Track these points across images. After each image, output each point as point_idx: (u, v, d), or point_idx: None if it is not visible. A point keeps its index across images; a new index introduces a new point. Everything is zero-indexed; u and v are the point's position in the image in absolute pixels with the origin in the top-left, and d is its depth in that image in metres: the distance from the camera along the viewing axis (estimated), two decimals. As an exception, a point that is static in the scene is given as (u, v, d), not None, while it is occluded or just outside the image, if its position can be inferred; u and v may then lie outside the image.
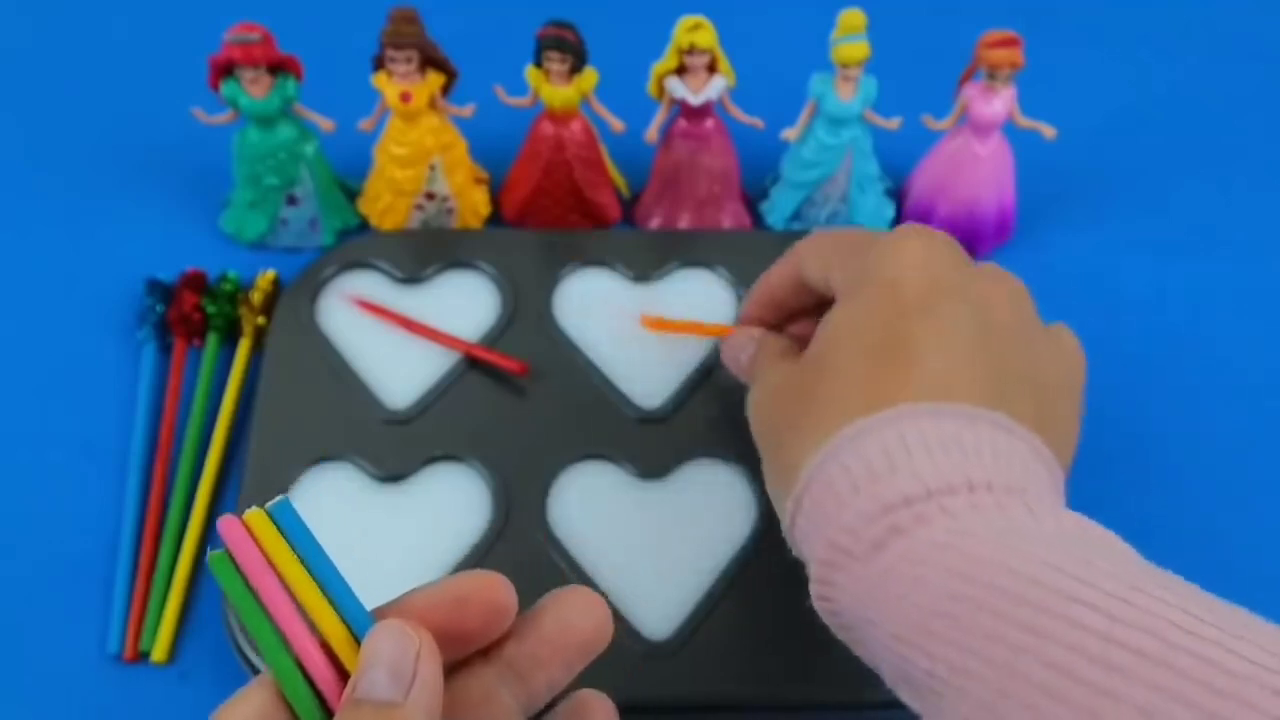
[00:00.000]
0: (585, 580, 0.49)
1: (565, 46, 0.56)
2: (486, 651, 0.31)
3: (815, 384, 0.40)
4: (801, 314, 0.49)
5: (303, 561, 0.28)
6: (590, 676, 0.46)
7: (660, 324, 0.56)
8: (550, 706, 0.33)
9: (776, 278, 0.48)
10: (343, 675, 0.28)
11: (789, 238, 0.61)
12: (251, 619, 0.28)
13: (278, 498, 0.28)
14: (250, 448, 0.52)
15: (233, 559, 0.28)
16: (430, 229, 0.62)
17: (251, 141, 0.58)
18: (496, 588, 0.30)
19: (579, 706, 0.33)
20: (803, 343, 0.45)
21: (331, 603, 0.28)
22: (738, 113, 0.59)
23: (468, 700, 0.30)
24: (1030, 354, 0.41)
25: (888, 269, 0.40)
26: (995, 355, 0.39)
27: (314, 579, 0.28)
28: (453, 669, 0.30)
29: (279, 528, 0.28)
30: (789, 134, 0.60)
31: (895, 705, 0.47)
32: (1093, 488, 0.54)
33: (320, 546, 0.28)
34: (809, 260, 0.46)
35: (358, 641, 0.28)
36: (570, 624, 0.31)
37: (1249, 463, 0.56)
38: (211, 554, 0.27)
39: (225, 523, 0.28)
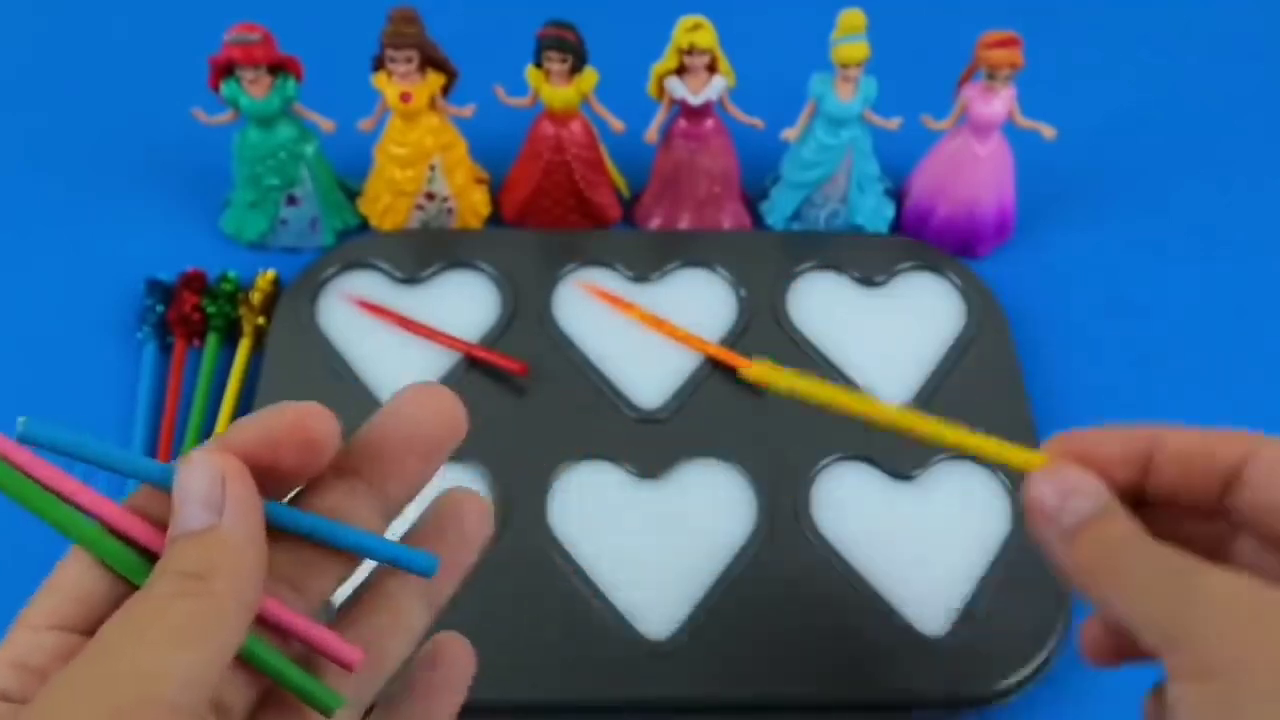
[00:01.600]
0: (585, 580, 0.49)
1: (565, 46, 0.56)
2: (331, 465, 0.30)
3: None
4: (1185, 503, 0.31)
5: (84, 456, 0.27)
6: (590, 676, 0.46)
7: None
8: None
9: (1197, 445, 0.31)
10: (164, 530, 0.27)
11: (789, 238, 0.62)
12: (36, 502, 0.27)
13: (21, 421, 0.27)
14: (250, 448, 0.52)
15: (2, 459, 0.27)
16: (430, 229, 0.62)
17: (252, 142, 0.58)
18: (308, 424, 0.28)
19: (435, 649, 0.33)
20: (1196, 545, 0.29)
21: (131, 474, 0.28)
22: (738, 113, 0.59)
23: (321, 516, 0.29)
24: None
25: None
26: None
27: (103, 463, 0.27)
28: (300, 492, 0.30)
29: (42, 444, 0.27)
30: (789, 134, 0.60)
31: (895, 705, 0.47)
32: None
33: (88, 436, 0.28)
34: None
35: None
36: (413, 421, 0.31)
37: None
38: None
39: None
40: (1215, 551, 0.30)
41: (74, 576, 0.27)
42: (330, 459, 0.29)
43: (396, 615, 0.30)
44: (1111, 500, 0.30)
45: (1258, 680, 0.26)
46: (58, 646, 0.26)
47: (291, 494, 0.29)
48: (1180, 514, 0.31)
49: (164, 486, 0.27)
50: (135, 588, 0.26)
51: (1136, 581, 0.28)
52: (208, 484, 0.26)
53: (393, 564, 0.29)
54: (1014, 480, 0.52)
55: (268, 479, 0.28)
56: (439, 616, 0.31)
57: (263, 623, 0.27)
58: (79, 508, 0.27)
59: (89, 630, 0.26)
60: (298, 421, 0.28)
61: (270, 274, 0.59)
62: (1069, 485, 0.30)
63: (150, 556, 0.27)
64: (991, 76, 0.57)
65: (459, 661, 0.33)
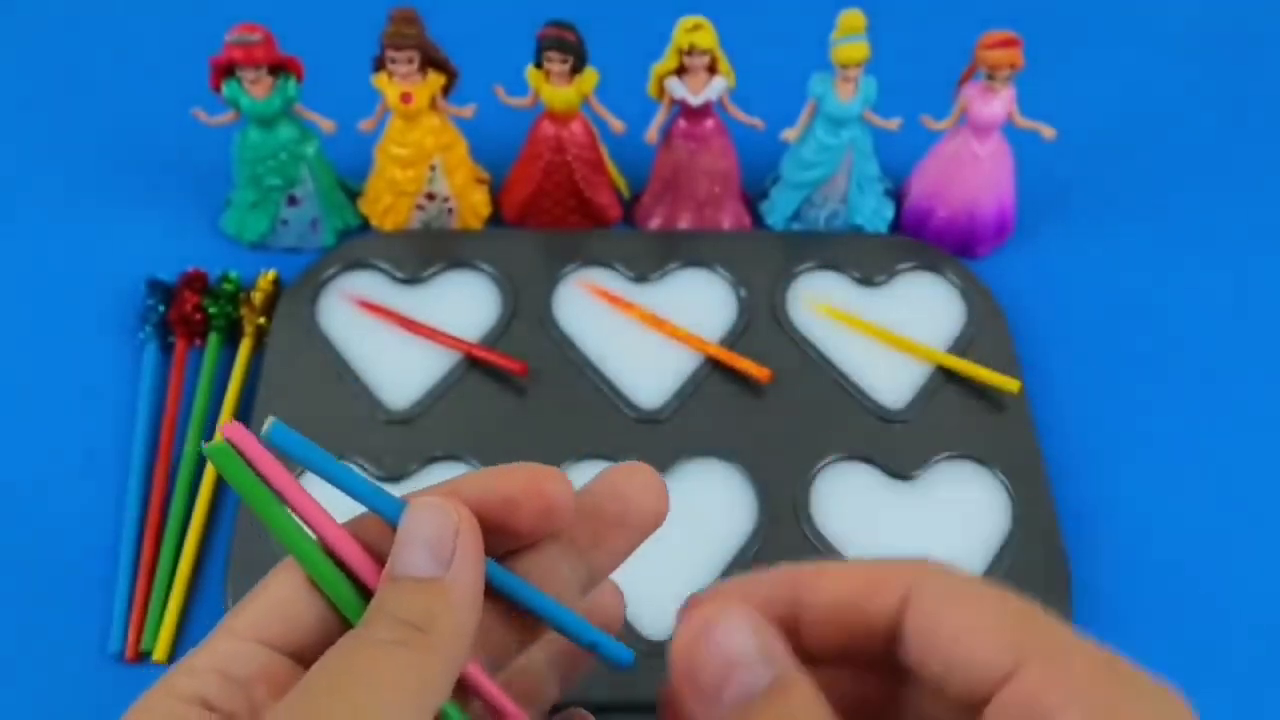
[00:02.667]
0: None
1: (565, 47, 0.56)
2: None
3: None
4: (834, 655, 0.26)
5: (315, 470, 0.27)
6: (590, 676, 0.46)
7: None
8: None
9: (841, 592, 0.26)
10: (378, 559, 0.27)
11: (789, 238, 0.62)
12: (264, 506, 0.27)
13: (268, 422, 0.27)
14: (251, 448, 0.52)
15: (237, 450, 0.27)
16: (431, 229, 0.62)
17: (252, 142, 0.58)
18: (549, 491, 0.28)
19: None
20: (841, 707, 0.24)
21: (358, 498, 0.27)
22: (738, 113, 0.59)
23: (529, 577, 0.29)
24: None
25: None
26: None
27: (332, 482, 0.27)
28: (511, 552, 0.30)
29: (282, 450, 0.27)
30: (789, 134, 0.60)
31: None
32: (1093, 488, 0.54)
33: (326, 453, 0.28)
34: (965, 632, 0.24)
35: (393, 529, 0.27)
36: (630, 501, 0.30)
37: (1248, 462, 0.56)
38: (208, 444, 0.26)
39: (229, 426, 0.27)
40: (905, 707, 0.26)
41: (285, 594, 0.27)
42: (564, 528, 0.29)
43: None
44: (786, 666, 0.24)
45: None
46: (262, 662, 0.26)
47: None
48: (861, 670, 0.26)
49: (389, 518, 0.27)
50: (341, 616, 0.26)
51: None
52: (439, 532, 0.26)
53: (590, 649, 0.29)
54: (1013, 480, 0.52)
55: (495, 536, 0.28)
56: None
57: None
58: (304, 520, 0.27)
59: (291, 651, 0.26)
60: (535, 485, 0.28)
61: (271, 274, 0.59)
62: (733, 651, 0.24)
63: (360, 586, 0.27)
64: (991, 77, 0.57)
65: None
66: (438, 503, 0.27)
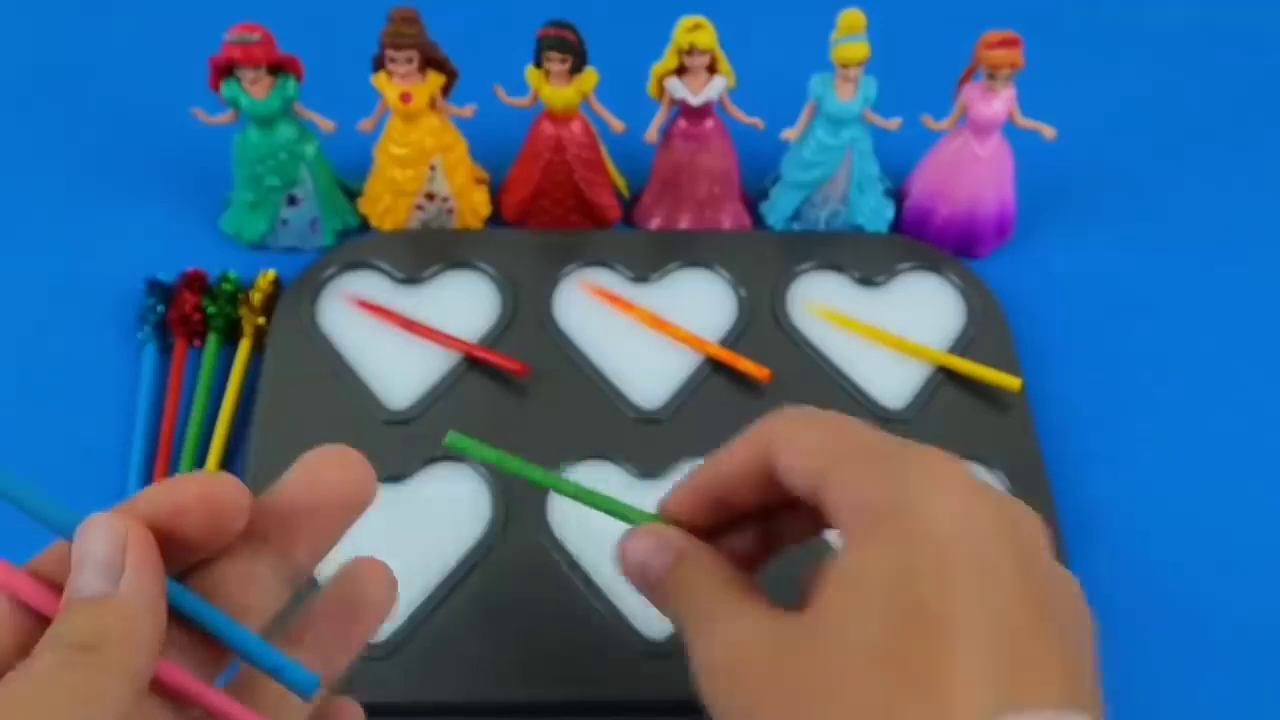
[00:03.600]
0: (585, 580, 0.49)
1: (565, 47, 0.56)
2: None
3: (840, 666, 0.29)
4: (745, 517, 0.36)
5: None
6: (589, 675, 0.46)
7: None
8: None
9: (734, 464, 0.35)
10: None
11: (789, 238, 0.62)
12: None
13: None
14: (250, 448, 0.52)
15: None
16: (430, 229, 0.62)
17: (252, 142, 0.58)
18: (218, 496, 0.28)
19: (348, 575, 0.32)
20: (742, 563, 0.35)
21: (41, 522, 0.27)
22: (738, 113, 0.59)
23: (225, 584, 0.29)
24: (1067, 607, 0.32)
25: (932, 512, 0.31)
26: (1052, 623, 0.31)
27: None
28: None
29: None
30: (789, 134, 0.60)
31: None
32: (1093, 488, 0.54)
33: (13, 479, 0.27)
34: (791, 452, 0.33)
35: None
36: (320, 484, 0.30)
37: (1249, 462, 0.56)
38: None
39: None
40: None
41: None
42: (239, 530, 0.28)
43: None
44: (683, 552, 0.35)
45: None
46: None
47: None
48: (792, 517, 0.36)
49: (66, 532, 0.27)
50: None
51: (695, 603, 0.34)
52: (108, 548, 0.26)
53: (273, 675, 0.28)
54: (1013, 480, 0.52)
55: (174, 548, 0.27)
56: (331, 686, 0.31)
57: (163, 689, 0.26)
58: None
59: None
60: (206, 492, 0.27)
61: (270, 274, 0.59)
62: (645, 548, 0.35)
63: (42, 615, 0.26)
64: (992, 77, 0.57)
65: (373, 588, 0.32)
66: (104, 518, 0.26)
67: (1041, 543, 0.33)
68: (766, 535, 0.36)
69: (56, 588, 0.27)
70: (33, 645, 0.25)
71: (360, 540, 0.50)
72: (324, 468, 0.30)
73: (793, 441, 0.33)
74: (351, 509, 0.31)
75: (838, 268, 0.60)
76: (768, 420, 0.34)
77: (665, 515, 0.36)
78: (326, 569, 0.32)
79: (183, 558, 0.28)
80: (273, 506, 0.30)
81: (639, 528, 0.36)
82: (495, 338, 0.56)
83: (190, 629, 0.28)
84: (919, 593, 0.29)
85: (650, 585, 0.35)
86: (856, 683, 0.29)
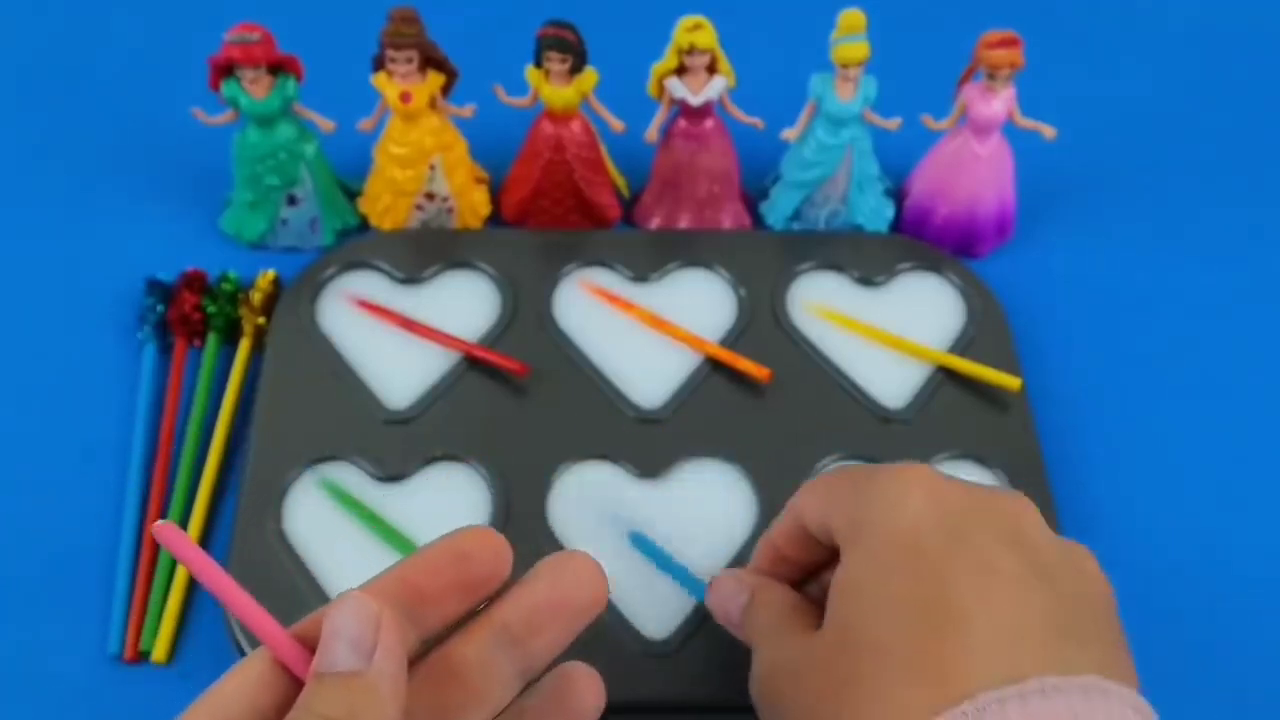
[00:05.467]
0: (585, 580, 0.49)
1: (565, 46, 0.56)
2: (482, 617, 0.31)
3: (847, 665, 0.33)
4: (818, 569, 0.41)
5: None
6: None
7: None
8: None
9: (780, 534, 0.41)
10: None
11: (789, 238, 0.62)
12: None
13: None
14: (250, 448, 0.52)
15: (169, 548, 0.28)
16: (430, 229, 0.62)
17: (252, 142, 0.58)
18: (491, 536, 0.30)
19: (564, 679, 0.33)
20: (818, 601, 0.39)
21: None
22: (737, 113, 0.59)
23: (464, 666, 0.30)
24: (1069, 575, 0.35)
25: (902, 510, 0.34)
26: (1048, 592, 0.33)
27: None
28: (448, 636, 0.31)
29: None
30: (789, 134, 0.60)
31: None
32: (1093, 488, 0.54)
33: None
34: (809, 510, 0.39)
35: None
36: (566, 588, 0.32)
37: (1248, 462, 0.56)
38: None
39: (160, 527, 0.28)
40: None
41: (250, 679, 0.28)
42: (495, 587, 0.31)
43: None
44: (755, 590, 0.41)
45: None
46: None
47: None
48: None
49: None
50: None
51: (758, 629, 0.39)
52: (360, 626, 0.27)
53: None
54: (1013, 479, 0.52)
55: (450, 595, 0.29)
56: None
57: None
58: (241, 620, 0.28)
59: None
60: (483, 537, 0.30)
61: (270, 274, 0.59)
62: (726, 592, 0.42)
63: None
64: (991, 76, 0.57)
65: (585, 698, 0.33)
66: (358, 597, 0.28)
67: (1029, 519, 0.35)
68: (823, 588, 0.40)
69: (310, 654, 0.28)
70: (286, 709, 0.27)
71: (360, 540, 0.50)
72: (570, 573, 0.32)
73: (808, 499, 0.39)
74: (588, 615, 0.32)
75: (837, 267, 0.60)
76: (799, 492, 0.40)
77: (749, 572, 0.43)
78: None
79: (434, 625, 0.30)
80: (523, 599, 0.31)
81: (725, 572, 0.43)
82: (495, 338, 0.56)
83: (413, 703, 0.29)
84: (902, 584, 0.33)
85: (733, 622, 0.41)
86: (860, 678, 0.32)
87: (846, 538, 0.36)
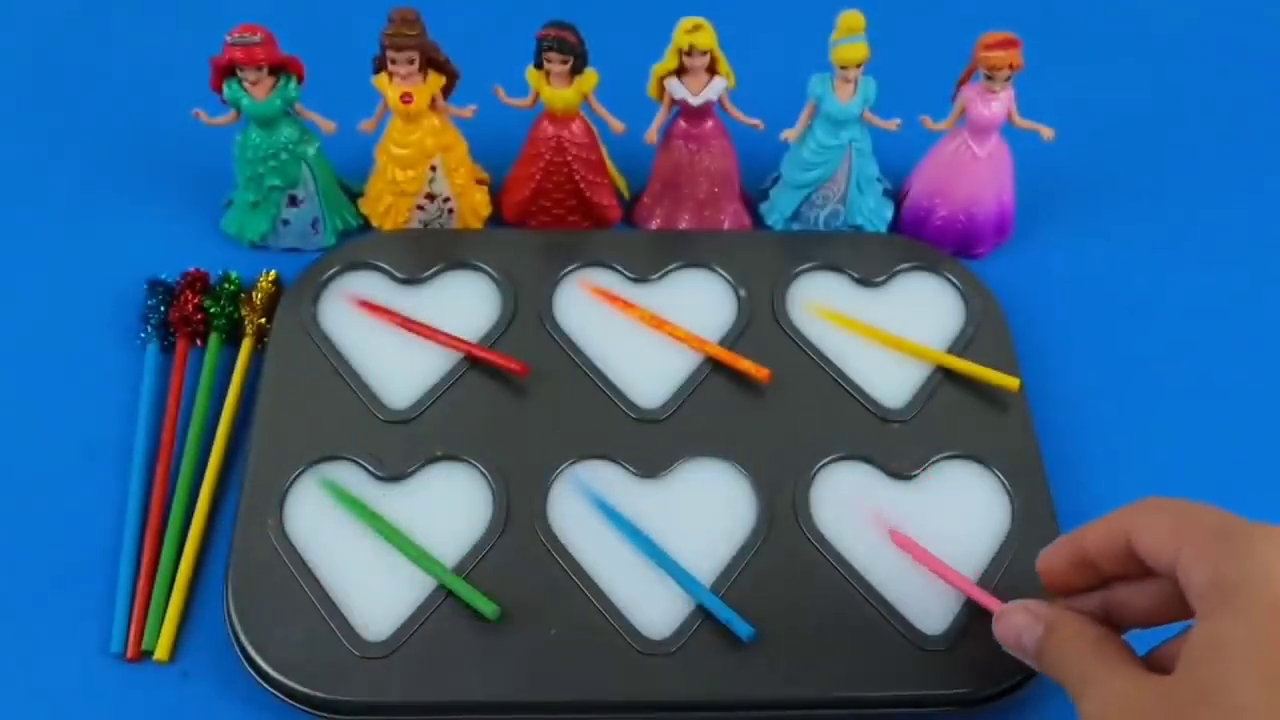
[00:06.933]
0: (585, 579, 0.49)
1: (565, 47, 0.56)
2: None
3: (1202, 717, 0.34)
4: (1108, 581, 0.42)
5: None
6: (590, 676, 0.47)
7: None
8: None
9: (1095, 542, 0.41)
10: None
11: (789, 238, 0.62)
12: None
13: None
14: (252, 447, 0.52)
15: None
16: (431, 230, 0.62)
17: (253, 142, 0.58)
18: None
19: None
20: (1113, 620, 0.41)
21: None
22: (737, 114, 0.59)
23: None
24: None
25: (1276, 577, 0.35)
26: None
27: None
28: None
29: None
30: (788, 135, 0.60)
31: (894, 705, 0.47)
32: (1092, 488, 0.54)
33: None
34: (1148, 534, 0.39)
35: None
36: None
37: (1247, 462, 0.56)
38: None
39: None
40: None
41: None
42: None
43: None
44: (1052, 623, 0.41)
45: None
46: None
47: None
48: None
49: None
50: None
51: (1073, 668, 0.40)
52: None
53: None
54: (1013, 479, 0.52)
55: None
56: None
57: None
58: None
59: None
60: None
61: (272, 274, 0.59)
62: (1018, 624, 0.42)
63: None
64: (990, 78, 0.57)
65: None
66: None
67: None
68: (1111, 605, 0.42)
69: None
70: None
71: (360, 540, 0.50)
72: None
73: (1149, 529, 0.39)
74: None
75: (837, 268, 0.60)
76: (1128, 509, 0.40)
77: (1041, 564, 0.43)
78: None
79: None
80: None
81: (1013, 604, 0.43)
82: (495, 338, 0.57)
83: None
84: (1275, 656, 0.34)
85: (1028, 654, 0.42)
86: (1248, 710, 0.33)
87: (1211, 593, 0.36)
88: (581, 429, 0.54)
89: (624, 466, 0.53)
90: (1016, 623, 0.42)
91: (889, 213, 0.63)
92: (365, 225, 0.63)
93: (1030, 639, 0.41)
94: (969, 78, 0.58)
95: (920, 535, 0.50)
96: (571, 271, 0.59)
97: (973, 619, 0.48)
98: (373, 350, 0.56)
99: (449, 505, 0.51)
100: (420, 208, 0.61)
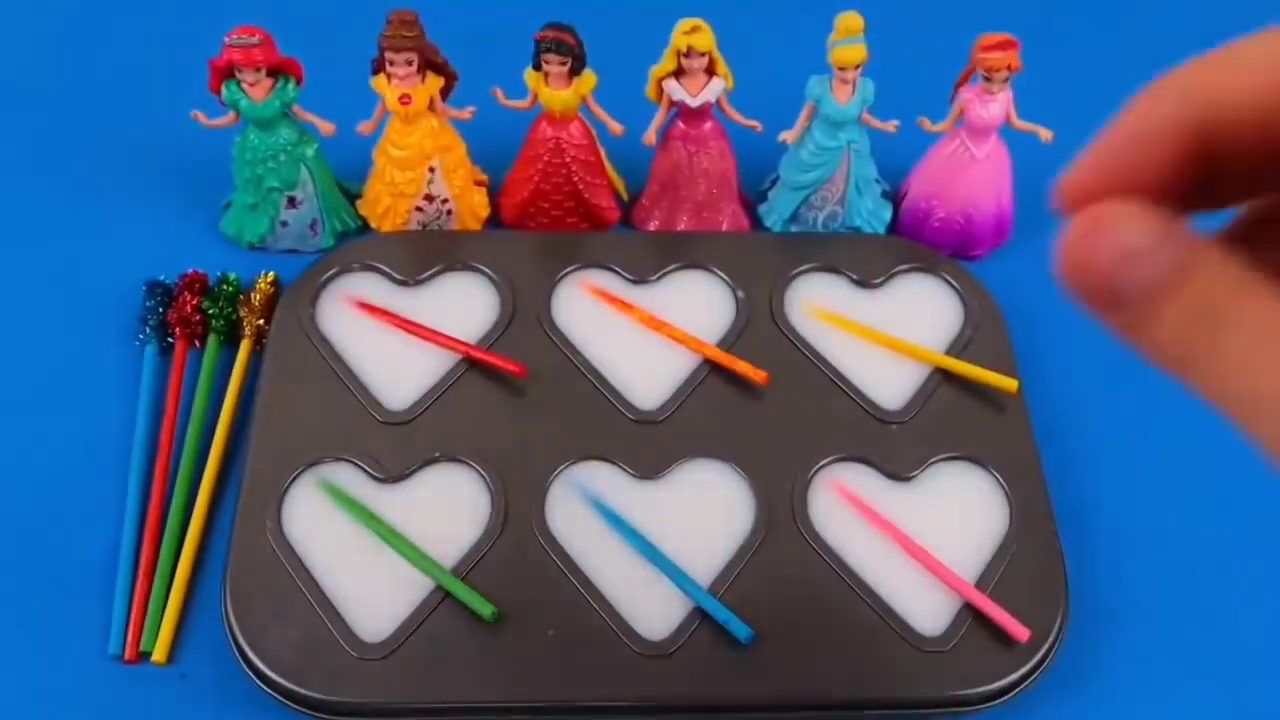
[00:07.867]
0: (584, 580, 0.49)
1: (564, 49, 0.56)
2: None
3: None
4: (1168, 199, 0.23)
5: None
6: (590, 676, 0.47)
7: None
8: None
9: (1141, 126, 0.24)
10: None
11: (787, 240, 0.62)
12: None
13: None
14: (250, 448, 0.52)
15: None
16: (429, 231, 0.62)
17: (252, 144, 0.58)
18: None
19: None
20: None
21: None
22: (736, 115, 0.59)
23: None
24: None
25: None
26: None
27: None
28: None
29: None
30: (787, 136, 0.60)
31: (893, 705, 0.47)
32: (1090, 488, 0.55)
33: None
34: (1232, 82, 0.23)
35: None
36: None
37: (1245, 462, 0.56)
38: None
39: None
40: None
41: None
42: None
43: None
44: (1192, 256, 0.21)
45: None
46: None
47: None
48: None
49: None
50: None
51: (1229, 305, 0.21)
52: None
53: None
54: (1011, 480, 0.52)
55: None
56: None
57: None
58: None
59: None
60: None
61: (270, 275, 0.59)
62: (1133, 245, 0.21)
63: None
64: (989, 79, 0.57)
65: None
66: None
67: None
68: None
69: None
70: None
71: (358, 541, 0.50)
72: None
73: (1230, 67, 0.23)
74: None
75: (835, 269, 0.60)
76: (1177, 72, 0.23)
77: (1067, 197, 0.24)
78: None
79: None
80: None
81: (1113, 208, 0.22)
82: (494, 339, 0.57)
83: None
84: None
85: (1142, 288, 0.22)
86: None
87: None
88: (580, 430, 0.54)
89: (622, 468, 0.53)
90: (1133, 242, 0.22)
91: (887, 214, 0.63)
92: (364, 227, 0.63)
93: (1163, 262, 0.21)
94: (967, 79, 0.58)
95: (918, 535, 0.50)
96: (570, 273, 0.59)
97: (971, 620, 0.48)
98: (371, 352, 0.56)
99: (447, 506, 0.51)
100: (419, 209, 0.61)
